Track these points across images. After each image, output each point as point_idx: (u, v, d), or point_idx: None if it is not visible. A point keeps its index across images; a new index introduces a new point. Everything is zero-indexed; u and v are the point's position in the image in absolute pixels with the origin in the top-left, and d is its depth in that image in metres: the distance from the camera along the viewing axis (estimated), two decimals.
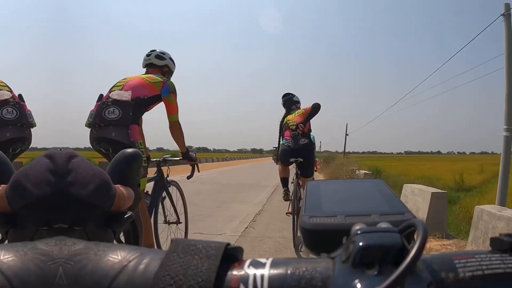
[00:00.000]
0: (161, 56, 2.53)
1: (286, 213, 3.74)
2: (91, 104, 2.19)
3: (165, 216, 2.67)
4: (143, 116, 2.38)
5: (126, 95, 2.08)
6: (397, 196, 0.36)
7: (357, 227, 0.24)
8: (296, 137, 3.48)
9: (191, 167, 2.66)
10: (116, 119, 2.01)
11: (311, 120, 3.60)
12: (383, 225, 0.25)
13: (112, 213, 0.40)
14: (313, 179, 7.18)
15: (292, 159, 3.50)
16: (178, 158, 2.65)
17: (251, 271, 0.22)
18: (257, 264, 0.23)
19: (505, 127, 5.35)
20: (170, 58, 2.59)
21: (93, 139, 2.10)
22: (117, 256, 0.23)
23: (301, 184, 3.50)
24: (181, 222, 2.78)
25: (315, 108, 3.53)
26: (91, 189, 0.36)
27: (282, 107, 3.91)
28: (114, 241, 0.43)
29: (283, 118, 3.79)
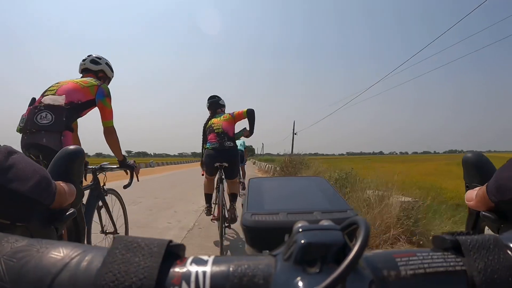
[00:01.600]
0: (96, 60, 2.44)
1: (212, 220, 3.68)
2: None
3: (102, 226, 2.52)
4: (79, 121, 2.28)
5: (59, 100, 1.98)
6: (339, 193, 0.37)
7: (299, 224, 0.24)
8: (222, 139, 3.42)
9: (129, 175, 2.50)
10: (48, 125, 1.90)
11: (235, 125, 3.60)
12: (325, 222, 0.25)
13: (54, 210, 0.39)
14: (242, 181, 6.87)
15: (217, 164, 3.39)
16: (115, 166, 2.46)
17: (193, 268, 0.22)
18: (199, 262, 0.23)
19: None
20: (107, 64, 2.51)
21: (23, 145, 1.96)
22: (60, 253, 0.23)
23: (225, 189, 3.48)
24: (118, 233, 2.58)
25: (251, 114, 3.55)
26: (31, 184, 0.35)
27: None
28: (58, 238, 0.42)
29: (207, 121, 3.69)
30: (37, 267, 0.22)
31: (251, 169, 21.29)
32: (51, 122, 1.91)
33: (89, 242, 2.21)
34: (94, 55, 2.47)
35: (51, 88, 2.10)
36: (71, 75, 2.26)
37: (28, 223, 0.37)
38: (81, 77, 2.37)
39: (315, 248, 0.22)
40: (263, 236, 0.30)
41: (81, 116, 2.17)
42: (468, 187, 0.48)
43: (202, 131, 3.71)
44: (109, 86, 2.46)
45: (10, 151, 0.36)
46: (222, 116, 3.61)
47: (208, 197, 3.70)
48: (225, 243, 3.56)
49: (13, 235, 0.25)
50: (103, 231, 2.54)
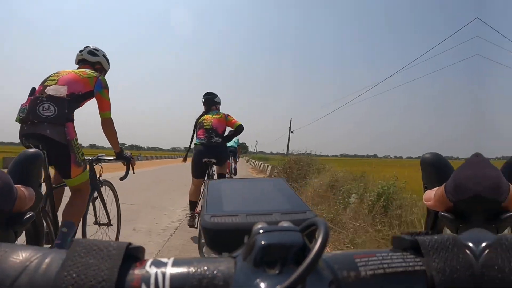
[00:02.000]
0: (94, 52, 2.46)
1: (195, 213, 3.61)
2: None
3: (95, 217, 2.57)
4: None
5: (62, 91, 1.99)
6: (298, 195, 0.37)
7: (258, 226, 0.24)
8: (210, 135, 3.58)
9: (125, 167, 2.56)
10: (51, 117, 1.92)
11: (226, 125, 3.76)
12: (285, 224, 0.25)
13: (13, 214, 0.39)
14: (235, 169, 6.90)
15: (205, 159, 3.53)
16: (112, 158, 2.52)
17: (152, 270, 0.22)
18: (158, 264, 0.23)
19: None
20: (104, 56, 2.52)
21: (23, 134, 1.97)
22: (19, 256, 0.23)
23: (213, 174, 3.75)
24: (111, 224, 2.68)
25: (239, 130, 3.72)
26: None
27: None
28: (17, 242, 0.41)
29: (200, 116, 3.82)
30: None
31: (244, 168, 19.86)
32: (54, 114, 1.93)
33: (84, 231, 2.25)
34: (91, 47, 2.48)
35: (51, 78, 2.09)
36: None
37: None
38: (78, 68, 2.38)
39: (274, 249, 0.22)
40: (223, 238, 0.30)
41: (79, 107, 2.17)
42: (426, 188, 0.48)
43: (193, 126, 3.81)
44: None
45: None
46: (215, 114, 3.75)
47: (192, 205, 3.65)
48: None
49: None
50: (96, 222, 2.57)
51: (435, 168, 0.46)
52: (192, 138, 3.78)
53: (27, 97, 2.04)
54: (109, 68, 2.61)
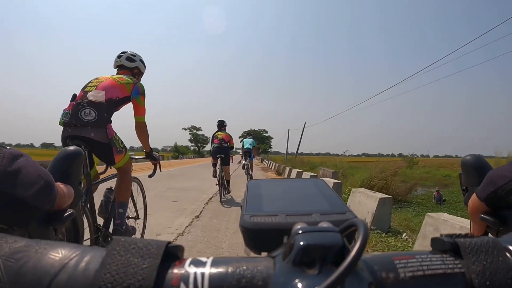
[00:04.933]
0: (131, 58, 2.60)
1: (216, 184, 6.32)
2: None
3: None
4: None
5: (100, 97, 2.14)
6: (338, 196, 0.37)
7: (297, 226, 0.24)
8: (221, 143, 6.37)
9: (153, 166, 2.78)
10: (93, 121, 2.08)
11: (232, 136, 6.68)
12: (324, 224, 0.25)
13: (53, 211, 0.39)
14: (251, 174, 8.71)
15: (218, 155, 6.31)
16: (141, 157, 2.70)
17: (191, 269, 0.22)
18: (197, 263, 0.23)
19: None
20: (141, 60, 2.66)
21: (67, 136, 2.12)
22: (58, 253, 0.23)
23: (223, 170, 6.27)
24: (139, 218, 2.82)
25: (231, 147, 6.62)
26: (34, 191, 0.35)
27: (216, 122, 6.85)
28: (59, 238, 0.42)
29: (215, 132, 6.63)
30: (36, 267, 0.22)
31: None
32: (95, 118, 2.08)
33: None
34: (129, 52, 2.61)
35: (90, 84, 2.25)
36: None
37: (26, 228, 0.36)
38: (117, 73, 2.55)
39: (313, 249, 0.22)
40: (262, 238, 0.30)
41: (117, 111, 2.31)
42: (464, 190, 0.48)
43: (211, 137, 6.63)
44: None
45: (15, 155, 0.36)
46: (224, 132, 6.58)
47: (213, 165, 6.44)
48: (223, 199, 5.99)
49: (12, 235, 0.25)
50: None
51: (476, 170, 0.46)
52: (211, 144, 6.50)
53: (69, 102, 2.18)
54: (145, 70, 2.75)
